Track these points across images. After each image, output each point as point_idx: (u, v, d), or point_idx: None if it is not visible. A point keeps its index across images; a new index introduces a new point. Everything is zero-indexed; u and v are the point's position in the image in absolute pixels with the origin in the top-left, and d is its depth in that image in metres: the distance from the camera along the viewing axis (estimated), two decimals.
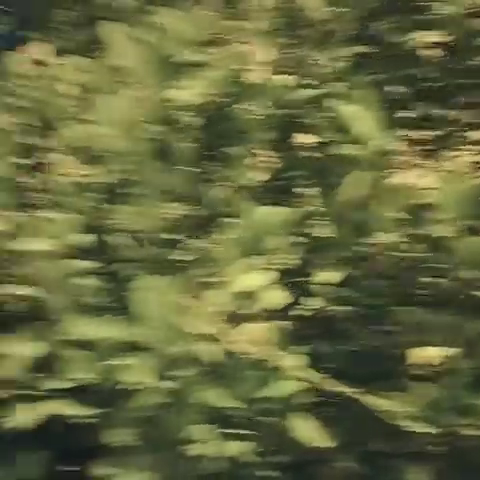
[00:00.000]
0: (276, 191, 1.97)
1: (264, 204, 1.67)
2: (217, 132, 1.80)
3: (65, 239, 1.44)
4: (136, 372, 1.38)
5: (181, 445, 1.44)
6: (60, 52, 2.23)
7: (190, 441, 1.44)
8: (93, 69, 1.81)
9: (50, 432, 1.72)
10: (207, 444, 1.43)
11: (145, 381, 1.37)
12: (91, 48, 2.21)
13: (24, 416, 1.57)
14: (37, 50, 2.27)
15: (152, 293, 1.37)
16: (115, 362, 1.38)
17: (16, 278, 1.64)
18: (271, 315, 1.53)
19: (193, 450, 1.44)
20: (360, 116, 1.64)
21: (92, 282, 1.48)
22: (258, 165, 1.87)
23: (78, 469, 1.64)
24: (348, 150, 1.63)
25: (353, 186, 1.60)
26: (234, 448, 1.44)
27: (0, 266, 1.65)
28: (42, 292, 1.46)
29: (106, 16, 2.17)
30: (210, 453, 1.44)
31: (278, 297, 1.53)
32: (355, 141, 1.64)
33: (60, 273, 1.45)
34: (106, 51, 1.88)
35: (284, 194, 1.96)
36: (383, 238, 1.60)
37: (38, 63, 2.26)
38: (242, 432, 1.46)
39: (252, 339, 1.45)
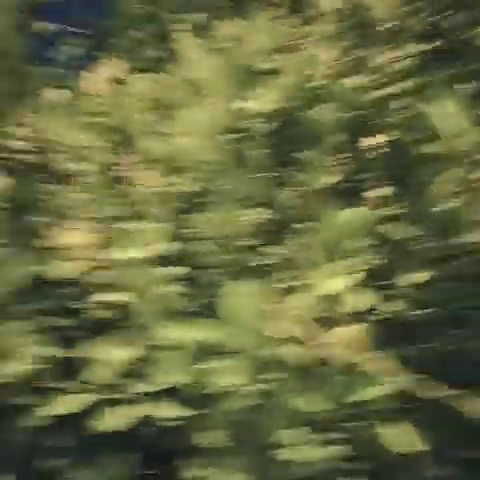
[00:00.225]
0: (349, 193, 1.93)
1: (339, 207, 1.65)
2: (290, 137, 1.79)
3: (153, 248, 1.47)
4: (226, 375, 1.38)
5: (270, 449, 1.43)
6: (133, 70, 2.30)
7: (279, 445, 1.43)
8: (169, 83, 1.85)
9: (140, 435, 1.75)
10: (296, 448, 1.41)
11: (235, 384, 1.37)
12: (163, 64, 2.27)
13: (115, 419, 1.60)
14: (111, 68, 2.34)
15: (239, 298, 1.37)
16: (205, 365, 1.39)
17: (108, 286, 1.70)
18: (357, 318, 1.50)
19: (282, 454, 1.42)
20: (446, 113, 1.58)
21: (179, 288, 1.50)
22: (330, 168, 1.85)
23: (168, 471, 1.67)
24: (432, 148, 1.58)
25: (441, 184, 1.54)
26: (323, 453, 1.42)
27: (93, 275, 1.73)
28: (133, 298, 1.49)
29: (177, 31, 2.22)
30: (299, 458, 1.42)
31: (363, 300, 1.49)
32: (439, 138, 1.58)
33: (149, 280, 1.48)
34: (180, 65, 1.92)
35: (355, 196, 1.92)
36: (472, 238, 1.54)
37: (113, 81, 2.33)
38: (331, 437, 1.43)
39: (340, 342, 1.42)
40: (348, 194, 1.91)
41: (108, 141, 2.02)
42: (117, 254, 1.48)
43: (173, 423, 1.55)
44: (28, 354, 1.56)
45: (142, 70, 2.27)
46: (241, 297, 1.36)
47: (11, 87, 2.22)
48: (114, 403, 1.59)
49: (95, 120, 2.18)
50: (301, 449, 1.41)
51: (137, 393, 1.55)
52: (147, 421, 1.64)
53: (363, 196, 1.88)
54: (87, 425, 1.71)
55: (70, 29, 2.58)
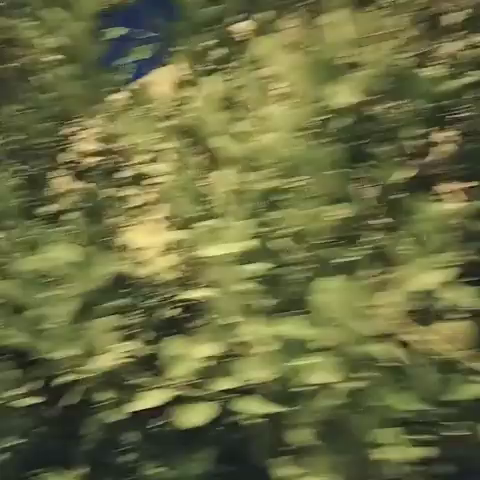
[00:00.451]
0: (426, 187, 1.88)
1: (422, 201, 1.60)
2: (368, 132, 1.76)
3: (235, 245, 1.46)
4: (315, 372, 1.35)
5: (361, 448, 1.40)
6: (202, 71, 2.31)
7: (371, 445, 1.40)
8: (242, 82, 1.85)
9: (221, 432, 1.75)
10: (388, 448, 1.38)
11: (325, 381, 1.35)
12: (233, 64, 2.27)
13: (197, 416, 1.61)
14: (179, 71, 2.36)
15: (330, 294, 1.35)
16: (292, 362, 1.37)
17: (191, 283, 1.72)
18: (452, 314, 1.45)
19: (373, 454, 1.39)
20: None
21: (262, 285, 1.50)
22: (410, 161, 1.81)
23: (254, 470, 1.66)
24: None
25: None
26: (417, 453, 1.38)
27: (175, 273, 1.75)
28: (216, 295, 1.49)
29: (246, 31, 2.21)
30: (390, 458, 1.38)
31: (458, 295, 1.44)
32: None
33: (232, 277, 1.47)
34: (253, 63, 1.92)
35: (432, 190, 1.87)
36: None
37: (182, 83, 2.36)
38: (427, 437, 1.39)
39: (436, 339, 1.38)
40: (425, 188, 1.86)
41: (181, 142, 2.04)
42: (199, 252, 1.48)
43: (258, 420, 1.55)
44: (112, 351, 1.59)
45: (211, 71, 2.28)
46: (332, 293, 1.33)
47: (83, 91, 2.28)
48: (196, 400, 1.60)
49: (166, 122, 2.20)
50: (393, 449, 1.38)
51: (220, 390, 1.55)
52: (229, 418, 1.65)
53: (442, 190, 1.83)
54: (168, 421, 1.73)
55: (137, 33, 2.63)
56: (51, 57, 2.22)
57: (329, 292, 1.28)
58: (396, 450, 1.31)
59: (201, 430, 1.60)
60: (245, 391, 1.50)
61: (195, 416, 1.58)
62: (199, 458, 1.71)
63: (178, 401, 1.60)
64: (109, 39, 2.27)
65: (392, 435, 1.34)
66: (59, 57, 2.17)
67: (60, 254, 1.58)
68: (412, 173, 1.78)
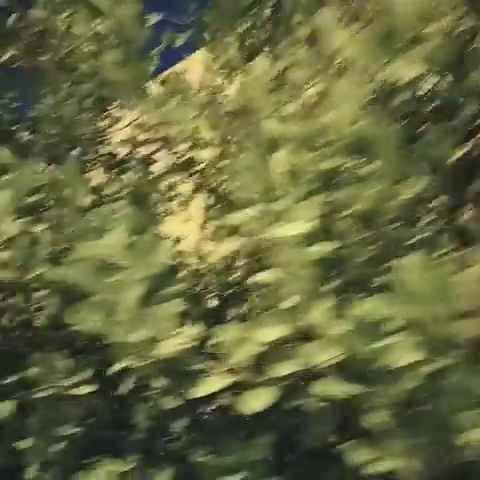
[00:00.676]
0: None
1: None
2: (431, 107, 1.70)
3: (300, 226, 1.42)
4: (393, 352, 1.31)
5: (441, 430, 1.35)
6: (247, 54, 2.26)
7: (452, 428, 1.35)
8: (295, 62, 1.79)
9: (280, 416, 1.71)
10: (470, 431, 1.33)
11: (403, 362, 1.30)
12: (278, 44, 2.21)
13: (258, 401, 1.57)
14: (216, 57, 2.31)
15: (411, 272, 1.30)
16: (367, 343, 1.33)
17: (254, 266, 1.68)
18: None
19: (457, 437, 1.34)
20: None
21: (328, 265, 1.45)
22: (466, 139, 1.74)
23: (312, 455, 1.61)
24: None
25: None
26: None
27: (237, 256, 1.72)
28: (281, 277, 1.45)
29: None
30: (473, 440, 1.34)
31: None
32: None
33: (299, 258, 1.43)
34: (311, 39, 1.85)
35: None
36: None
37: (223, 68, 2.31)
38: None
39: None
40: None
41: (232, 126, 1.99)
42: (263, 234, 1.44)
43: (325, 404, 1.51)
44: (174, 336, 1.56)
45: (256, 53, 2.23)
46: (413, 271, 1.28)
47: (124, 78, 2.24)
48: (256, 385, 1.57)
49: (211, 107, 2.16)
50: (474, 432, 1.33)
51: (282, 375, 1.51)
52: (290, 403, 1.61)
53: None
54: (224, 407, 1.70)
55: (172, 19, 2.58)
56: (92, 45, 2.19)
57: (411, 270, 1.22)
58: (476, 433, 1.26)
59: (259, 416, 1.56)
60: (310, 375, 1.46)
61: (256, 402, 1.54)
62: (257, 444, 1.68)
63: (237, 387, 1.56)
64: (151, 25, 2.23)
65: (474, 417, 1.29)
66: (102, 44, 2.14)
67: (116, 241, 1.56)
68: (468, 150, 1.71)
